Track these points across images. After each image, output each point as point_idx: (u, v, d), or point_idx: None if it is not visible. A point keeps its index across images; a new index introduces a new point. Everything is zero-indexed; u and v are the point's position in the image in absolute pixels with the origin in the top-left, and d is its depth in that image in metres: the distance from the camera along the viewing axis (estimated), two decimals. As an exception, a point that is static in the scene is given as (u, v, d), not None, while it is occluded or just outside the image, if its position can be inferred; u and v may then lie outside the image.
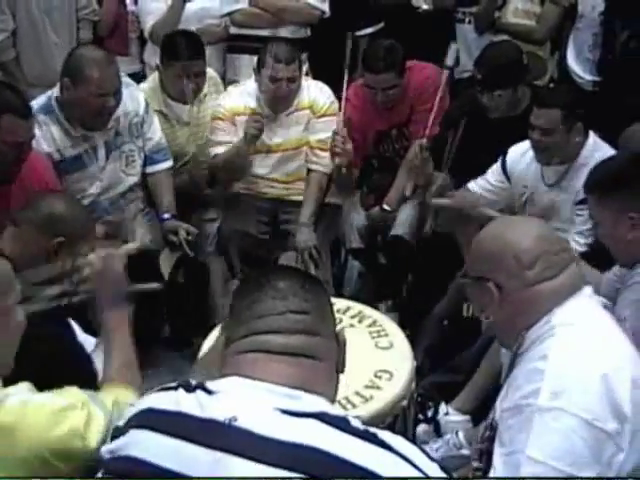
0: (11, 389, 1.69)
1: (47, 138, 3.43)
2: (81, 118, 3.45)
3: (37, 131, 3.33)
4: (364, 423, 1.44)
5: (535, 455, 1.70)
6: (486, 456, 1.85)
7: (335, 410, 1.46)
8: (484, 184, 3.62)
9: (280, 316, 1.50)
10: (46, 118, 3.43)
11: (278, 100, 3.87)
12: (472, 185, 3.64)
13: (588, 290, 1.93)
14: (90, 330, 2.80)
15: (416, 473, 1.37)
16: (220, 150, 3.90)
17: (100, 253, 2.20)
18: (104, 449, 1.55)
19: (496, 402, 1.94)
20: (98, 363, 2.27)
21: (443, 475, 1.42)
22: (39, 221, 2.46)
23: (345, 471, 1.34)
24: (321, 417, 1.40)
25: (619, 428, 1.72)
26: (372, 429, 1.42)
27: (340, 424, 1.40)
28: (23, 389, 1.70)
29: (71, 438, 1.63)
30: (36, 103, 3.45)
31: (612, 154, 3.13)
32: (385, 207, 3.98)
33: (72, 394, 1.73)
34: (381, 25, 4.43)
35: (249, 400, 1.43)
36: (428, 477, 1.38)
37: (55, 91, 3.48)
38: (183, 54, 3.85)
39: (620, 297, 2.48)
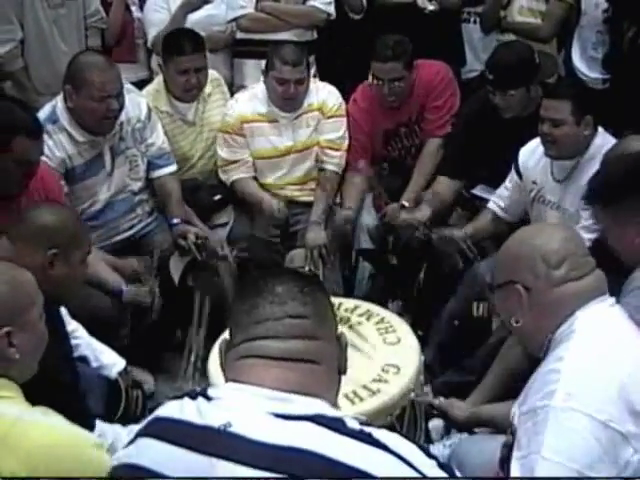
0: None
1: (59, 147, 3.46)
2: (87, 124, 3.47)
3: (48, 141, 3.37)
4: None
5: (550, 456, 1.69)
6: (507, 464, 1.84)
7: (332, 412, 1.46)
8: (502, 191, 3.64)
9: (278, 321, 1.51)
10: (54, 127, 3.46)
11: (286, 102, 3.90)
12: (491, 204, 3.67)
13: (611, 299, 1.93)
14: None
15: (412, 472, 1.37)
16: (232, 173, 4.01)
17: None
18: (113, 458, 1.58)
19: (514, 407, 1.93)
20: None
21: (440, 472, 1.42)
22: (31, 236, 2.45)
23: (339, 473, 1.34)
24: (316, 419, 1.40)
25: (636, 430, 1.71)
26: (368, 429, 1.42)
27: (335, 425, 1.40)
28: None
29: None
30: (42, 113, 3.49)
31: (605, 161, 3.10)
32: (404, 203, 3.98)
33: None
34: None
35: (243, 406, 1.44)
36: (424, 476, 1.38)
37: (59, 100, 3.52)
38: (183, 48, 3.88)
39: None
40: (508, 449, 1.88)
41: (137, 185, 3.76)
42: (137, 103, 3.72)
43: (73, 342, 2.84)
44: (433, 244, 3.73)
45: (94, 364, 2.95)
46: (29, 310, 1.88)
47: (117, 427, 2.46)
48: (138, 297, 3.41)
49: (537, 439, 1.72)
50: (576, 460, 1.67)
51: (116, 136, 3.61)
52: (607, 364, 1.77)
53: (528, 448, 1.74)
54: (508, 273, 1.96)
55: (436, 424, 3.13)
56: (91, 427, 2.34)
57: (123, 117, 3.59)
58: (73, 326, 2.90)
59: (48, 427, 1.72)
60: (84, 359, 2.93)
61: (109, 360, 2.97)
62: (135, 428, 2.37)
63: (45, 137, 3.37)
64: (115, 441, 2.35)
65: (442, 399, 2.83)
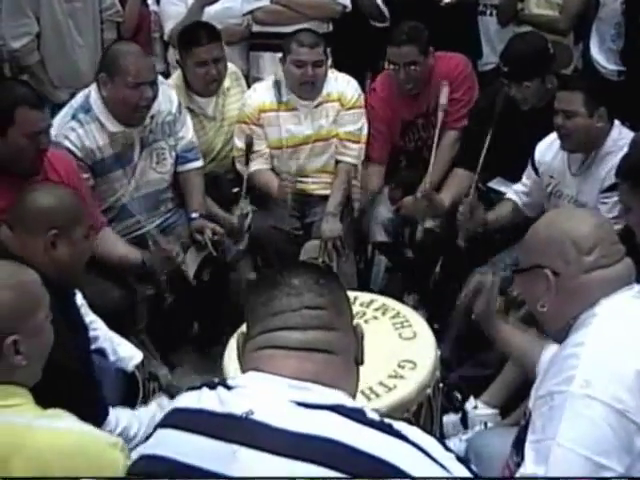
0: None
1: (89, 137, 3.46)
2: (120, 113, 3.47)
3: (79, 129, 3.41)
4: (387, 413, 1.44)
5: (564, 442, 1.68)
6: (522, 447, 1.83)
7: (351, 402, 1.47)
8: (519, 187, 3.63)
9: (295, 312, 1.52)
10: (86, 117, 3.46)
11: (305, 86, 3.90)
12: (512, 195, 3.66)
13: (637, 287, 1.91)
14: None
15: (431, 463, 1.38)
16: (250, 164, 3.95)
17: None
18: (135, 452, 1.58)
19: (531, 390, 1.92)
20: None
21: (458, 464, 1.42)
22: (29, 220, 2.44)
23: (361, 462, 1.34)
24: (336, 409, 1.41)
25: None
26: (388, 420, 1.43)
27: (356, 416, 1.41)
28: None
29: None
30: (75, 102, 3.51)
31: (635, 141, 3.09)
32: (419, 195, 3.96)
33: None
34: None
35: (265, 394, 1.45)
36: (444, 467, 1.38)
37: (92, 89, 3.51)
38: (200, 40, 3.89)
39: None
40: (522, 432, 1.87)
41: (163, 179, 3.74)
42: (168, 95, 3.71)
43: (91, 334, 2.84)
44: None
45: (112, 357, 2.96)
46: (35, 314, 1.86)
47: (127, 412, 2.49)
48: (163, 254, 3.42)
49: (552, 424, 1.71)
50: (589, 447, 1.66)
51: (147, 128, 3.60)
52: (627, 353, 1.76)
53: (543, 433, 1.73)
54: (536, 257, 1.93)
55: (452, 419, 3.14)
56: (104, 416, 2.36)
57: (154, 109, 3.58)
58: (91, 317, 2.91)
59: (59, 433, 1.72)
60: (102, 352, 2.94)
61: (126, 353, 2.98)
62: (143, 411, 2.42)
63: (76, 126, 3.42)
64: (127, 426, 2.40)
65: None
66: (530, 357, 2.31)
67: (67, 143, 3.40)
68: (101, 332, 2.95)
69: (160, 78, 3.71)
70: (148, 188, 3.70)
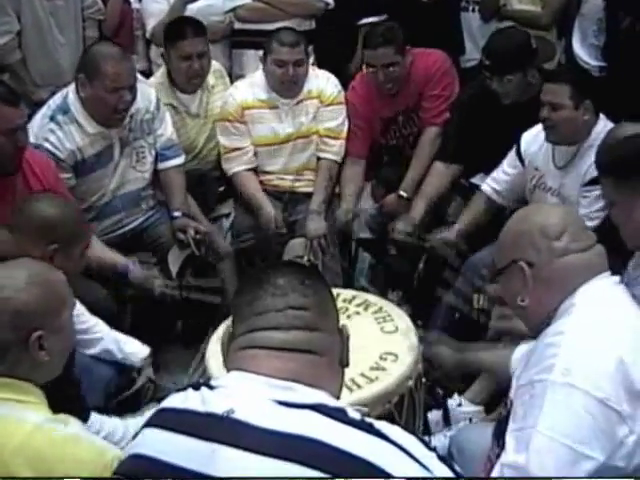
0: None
1: (69, 138, 3.44)
2: (99, 115, 3.45)
3: (58, 132, 3.39)
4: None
5: (545, 430, 1.69)
6: (502, 438, 1.83)
7: (333, 402, 1.46)
8: (499, 176, 3.62)
9: (279, 313, 1.52)
10: (65, 118, 3.44)
11: (286, 85, 3.90)
12: (485, 187, 3.66)
13: (615, 277, 1.93)
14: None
15: (412, 462, 1.37)
16: (234, 163, 4.00)
17: None
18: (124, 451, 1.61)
19: (512, 380, 1.94)
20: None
21: (440, 463, 1.42)
22: (32, 230, 2.48)
23: (342, 461, 1.34)
24: (318, 408, 1.41)
25: (632, 411, 1.71)
26: (369, 420, 1.43)
27: (337, 415, 1.41)
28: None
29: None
30: (53, 103, 3.48)
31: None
32: (402, 193, 3.98)
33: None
34: (384, 16, 4.41)
35: (246, 392, 1.45)
36: (424, 467, 1.38)
37: (70, 90, 3.49)
38: (185, 33, 3.88)
39: None
40: (504, 423, 1.87)
41: (143, 177, 3.73)
42: (146, 94, 3.70)
43: (93, 337, 2.92)
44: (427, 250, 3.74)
45: (119, 355, 3.00)
46: (61, 312, 1.88)
47: (115, 420, 2.48)
48: (147, 278, 3.45)
49: (533, 412, 1.72)
50: (570, 436, 1.67)
51: (126, 127, 3.59)
52: (607, 341, 1.77)
53: (524, 421, 1.74)
54: (510, 253, 1.95)
55: (435, 415, 3.13)
56: (85, 418, 2.34)
57: (133, 108, 3.56)
58: (91, 322, 2.95)
59: (68, 439, 1.73)
60: (109, 352, 2.99)
61: (133, 349, 3.02)
62: (131, 421, 2.42)
63: (55, 127, 3.40)
64: (111, 433, 2.38)
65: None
66: (502, 364, 2.35)
67: (47, 145, 3.38)
68: (104, 334, 2.99)
69: (138, 76, 3.68)
70: (128, 187, 3.69)
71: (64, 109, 3.45)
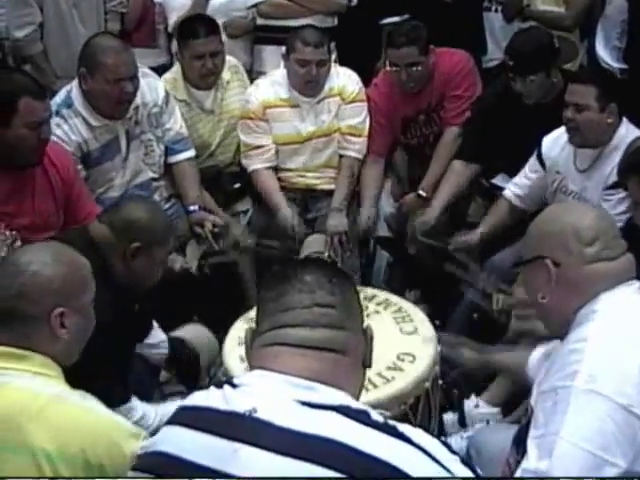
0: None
1: (75, 131, 3.45)
2: (102, 107, 3.46)
3: (64, 125, 3.41)
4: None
5: (568, 437, 1.68)
6: (523, 445, 1.83)
7: (356, 403, 1.46)
8: (521, 181, 3.62)
9: (306, 309, 1.51)
10: (69, 111, 3.46)
11: (308, 85, 3.89)
12: (507, 192, 3.65)
13: (638, 283, 1.91)
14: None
15: (436, 466, 1.37)
16: (253, 160, 4.00)
17: None
18: (139, 447, 1.61)
19: (533, 387, 1.93)
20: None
21: (463, 467, 1.41)
22: (118, 224, 2.56)
23: (363, 463, 1.34)
24: (341, 410, 1.40)
25: None
26: (392, 422, 1.42)
27: (360, 417, 1.40)
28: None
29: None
30: (58, 97, 3.50)
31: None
32: (421, 193, 3.97)
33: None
34: (407, 16, 4.40)
35: (269, 392, 1.45)
36: (447, 470, 1.38)
37: (74, 84, 3.50)
38: (198, 33, 3.87)
39: None
40: (524, 430, 1.87)
41: (153, 170, 3.74)
42: (154, 87, 3.70)
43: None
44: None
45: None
46: (83, 293, 1.91)
47: (147, 405, 2.55)
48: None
49: (556, 419, 1.72)
50: (592, 442, 1.67)
51: (132, 120, 3.59)
52: (631, 348, 1.76)
53: (546, 428, 1.74)
54: (537, 249, 1.94)
55: (451, 417, 3.13)
56: (125, 400, 2.45)
57: (139, 101, 3.57)
58: None
59: (85, 410, 1.76)
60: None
61: (156, 339, 3.01)
62: (160, 408, 2.46)
63: (61, 121, 3.42)
64: (143, 417, 2.48)
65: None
66: (521, 366, 2.34)
67: (55, 139, 3.35)
68: None
69: (145, 70, 3.70)
70: (139, 179, 3.69)
71: (68, 103, 3.47)
